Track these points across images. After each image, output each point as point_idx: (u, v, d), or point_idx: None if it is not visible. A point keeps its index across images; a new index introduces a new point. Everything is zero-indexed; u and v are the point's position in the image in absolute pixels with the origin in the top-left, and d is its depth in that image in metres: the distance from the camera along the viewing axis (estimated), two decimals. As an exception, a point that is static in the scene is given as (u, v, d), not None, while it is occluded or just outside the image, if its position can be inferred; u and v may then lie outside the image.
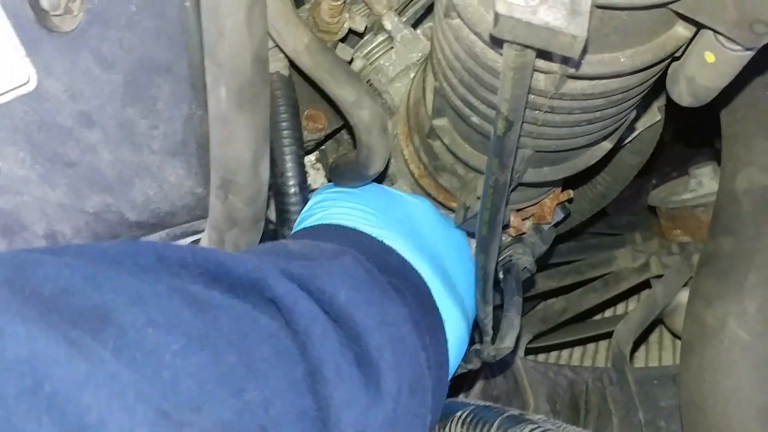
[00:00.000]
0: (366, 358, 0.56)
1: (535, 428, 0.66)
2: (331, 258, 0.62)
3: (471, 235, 0.90)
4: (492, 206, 0.65)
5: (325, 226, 0.77)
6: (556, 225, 0.97)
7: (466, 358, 0.82)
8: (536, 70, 0.58)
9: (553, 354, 1.52)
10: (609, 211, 1.62)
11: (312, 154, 1.02)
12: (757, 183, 0.81)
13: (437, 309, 0.72)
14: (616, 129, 0.74)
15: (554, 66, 0.57)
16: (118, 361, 0.42)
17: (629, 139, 1.04)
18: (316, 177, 1.02)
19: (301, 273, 0.58)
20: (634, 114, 0.74)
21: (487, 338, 0.80)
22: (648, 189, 1.72)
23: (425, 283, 0.72)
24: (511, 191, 0.79)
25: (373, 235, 0.74)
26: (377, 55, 0.92)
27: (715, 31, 0.54)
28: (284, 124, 0.79)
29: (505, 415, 0.69)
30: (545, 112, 0.63)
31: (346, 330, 0.57)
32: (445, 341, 0.71)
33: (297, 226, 0.82)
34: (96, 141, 0.74)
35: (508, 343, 0.76)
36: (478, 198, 0.82)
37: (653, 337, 1.48)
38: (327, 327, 0.55)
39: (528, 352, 1.34)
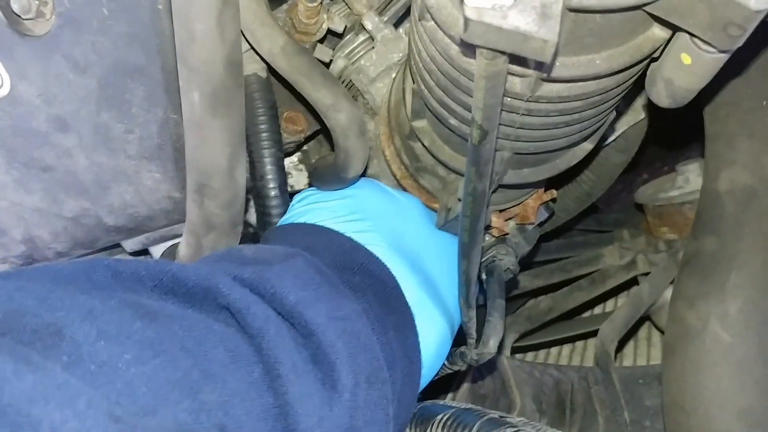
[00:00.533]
0: (320, 354, 0.57)
1: (515, 431, 0.65)
2: (282, 261, 0.63)
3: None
4: (472, 214, 0.64)
5: (296, 225, 0.77)
6: (541, 225, 0.97)
7: (451, 360, 0.82)
8: (511, 74, 0.57)
9: (542, 352, 1.52)
10: (599, 206, 1.62)
11: (294, 156, 1.01)
12: (740, 183, 0.80)
13: (406, 306, 0.72)
14: (596, 130, 0.74)
15: (529, 69, 0.57)
16: (72, 374, 0.43)
17: (613, 138, 1.04)
18: (299, 178, 1.01)
19: (252, 278, 0.59)
20: (614, 115, 0.73)
21: (471, 341, 0.79)
22: (639, 184, 1.72)
23: (394, 281, 0.72)
24: (492, 192, 0.78)
25: (344, 232, 0.74)
26: (358, 56, 0.91)
27: (690, 34, 0.54)
28: (263, 126, 0.79)
29: (485, 418, 0.69)
30: (522, 114, 0.63)
31: (299, 329, 0.58)
32: (415, 337, 0.71)
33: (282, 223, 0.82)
34: (71, 145, 0.74)
35: (491, 347, 0.76)
36: (459, 199, 0.81)
37: (642, 333, 1.48)
38: (280, 327, 0.56)
39: (515, 350, 1.34)
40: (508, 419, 0.67)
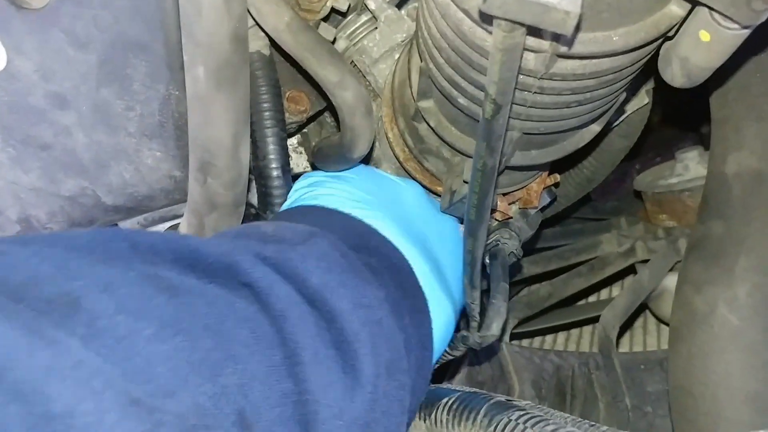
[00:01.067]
0: (343, 342, 0.55)
1: (523, 414, 0.64)
2: (305, 240, 0.61)
3: (460, 220, 0.88)
4: (480, 190, 0.63)
5: (307, 207, 0.76)
6: (543, 210, 0.96)
7: (452, 345, 0.81)
8: (526, 49, 0.56)
9: (538, 339, 1.51)
10: (592, 197, 1.61)
11: (294, 138, 0.99)
12: (748, 166, 0.80)
13: (420, 290, 0.70)
14: (606, 111, 0.73)
15: (545, 44, 0.55)
16: (87, 349, 0.41)
17: (617, 122, 1.03)
18: (298, 161, 1.00)
19: (275, 257, 0.57)
20: (624, 96, 0.72)
21: (474, 324, 0.78)
22: (632, 174, 1.71)
23: (408, 264, 0.71)
24: (499, 174, 0.77)
25: (357, 215, 0.73)
26: (361, 36, 0.90)
27: (710, 9, 0.53)
28: (266, 105, 0.77)
29: (492, 401, 0.68)
30: (534, 92, 0.62)
31: (322, 313, 0.56)
32: (429, 322, 0.70)
33: (284, 208, 0.80)
34: (70, 123, 0.72)
35: (494, 330, 0.75)
36: (465, 182, 0.80)
37: (638, 322, 1.48)
38: (303, 310, 0.54)
39: (513, 337, 1.33)
40: (514, 402, 0.66)
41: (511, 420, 0.62)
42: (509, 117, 0.62)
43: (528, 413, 0.64)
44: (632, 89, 0.96)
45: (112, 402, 0.39)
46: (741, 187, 0.79)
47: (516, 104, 0.63)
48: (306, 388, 0.51)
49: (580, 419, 0.61)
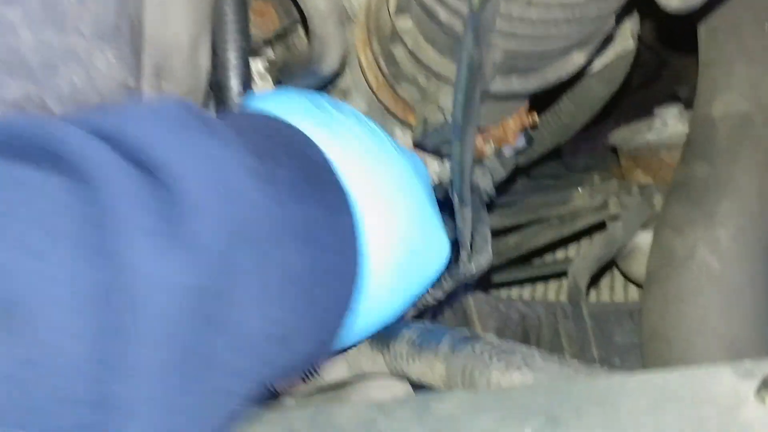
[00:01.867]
0: (173, 203, 0.46)
1: (487, 345, 0.60)
2: (148, 104, 0.53)
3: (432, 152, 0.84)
4: (467, 88, 0.59)
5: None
6: (518, 154, 0.93)
7: (435, 284, 0.75)
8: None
9: (503, 292, 1.49)
10: (563, 157, 1.59)
11: (259, 61, 0.94)
12: (735, 109, 0.77)
13: (341, 189, 0.60)
14: (591, 36, 0.69)
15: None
16: None
17: (600, 66, 0.99)
18: (264, 86, 0.94)
19: (100, 122, 0.48)
20: (612, 23, 0.69)
21: (465, 252, 0.72)
22: (604, 138, 1.68)
23: (327, 161, 0.60)
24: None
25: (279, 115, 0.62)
26: (337, -45, 0.85)
27: None
28: (229, 13, 0.71)
29: (454, 333, 0.64)
30: (522, 4, 0.58)
31: (148, 174, 0.47)
32: (352, 223, 0.59)
33: None
34: (16, 19, 0.66)
35: (485, 256, 0.71)
36: (440, 109, 0.76)
37: (604, 281, 1.46)
38: (123, 173, 0.45)
39: (477, 288, 1.30)
40: (478, 335, 0.63)
41: (475, 351, 0.58)
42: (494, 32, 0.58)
43: (492, 345, 0.60)
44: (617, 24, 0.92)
45: None
46: (727, 129, 0.76)
47: (501, 20, 0.59)
48: (116, 251, 0.43)
49: (548, 354, 0.58)
